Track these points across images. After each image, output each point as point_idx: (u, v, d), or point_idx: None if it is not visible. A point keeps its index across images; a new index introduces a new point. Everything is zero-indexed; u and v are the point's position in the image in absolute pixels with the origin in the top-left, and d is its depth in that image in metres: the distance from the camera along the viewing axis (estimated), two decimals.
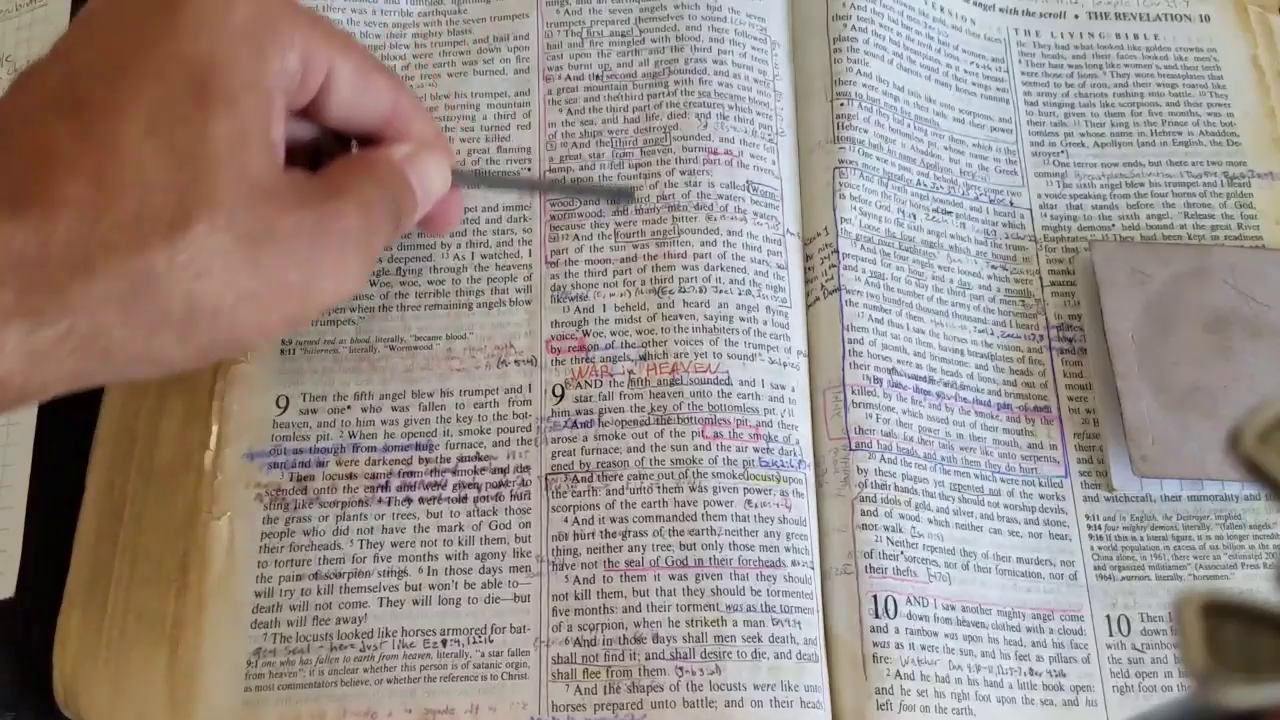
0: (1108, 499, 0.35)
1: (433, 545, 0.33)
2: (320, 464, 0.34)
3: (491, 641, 0.32)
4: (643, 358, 0.35)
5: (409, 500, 0.33)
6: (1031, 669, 0.32)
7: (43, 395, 0.23)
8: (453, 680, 0.31)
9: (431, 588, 0.33)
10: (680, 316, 0.35)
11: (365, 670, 0.32)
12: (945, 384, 0.36)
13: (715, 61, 0.39)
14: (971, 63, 0.41)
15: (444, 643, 0.32)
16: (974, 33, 0.42)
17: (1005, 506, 0.35)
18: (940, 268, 0.37)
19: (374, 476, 0.34)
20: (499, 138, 0.38)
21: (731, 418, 0.34)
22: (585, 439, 0.34)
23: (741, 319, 0.35)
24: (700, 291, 0.35)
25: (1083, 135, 0.40)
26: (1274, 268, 0.37)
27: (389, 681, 0.31)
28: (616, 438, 0.34)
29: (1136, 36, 0.42)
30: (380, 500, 0.33)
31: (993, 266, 0.38)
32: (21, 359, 0.22)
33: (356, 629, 0.32)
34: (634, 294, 0.36)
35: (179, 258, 0.23)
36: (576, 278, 0.36)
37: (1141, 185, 0.40)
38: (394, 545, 0.33)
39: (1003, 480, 0.35)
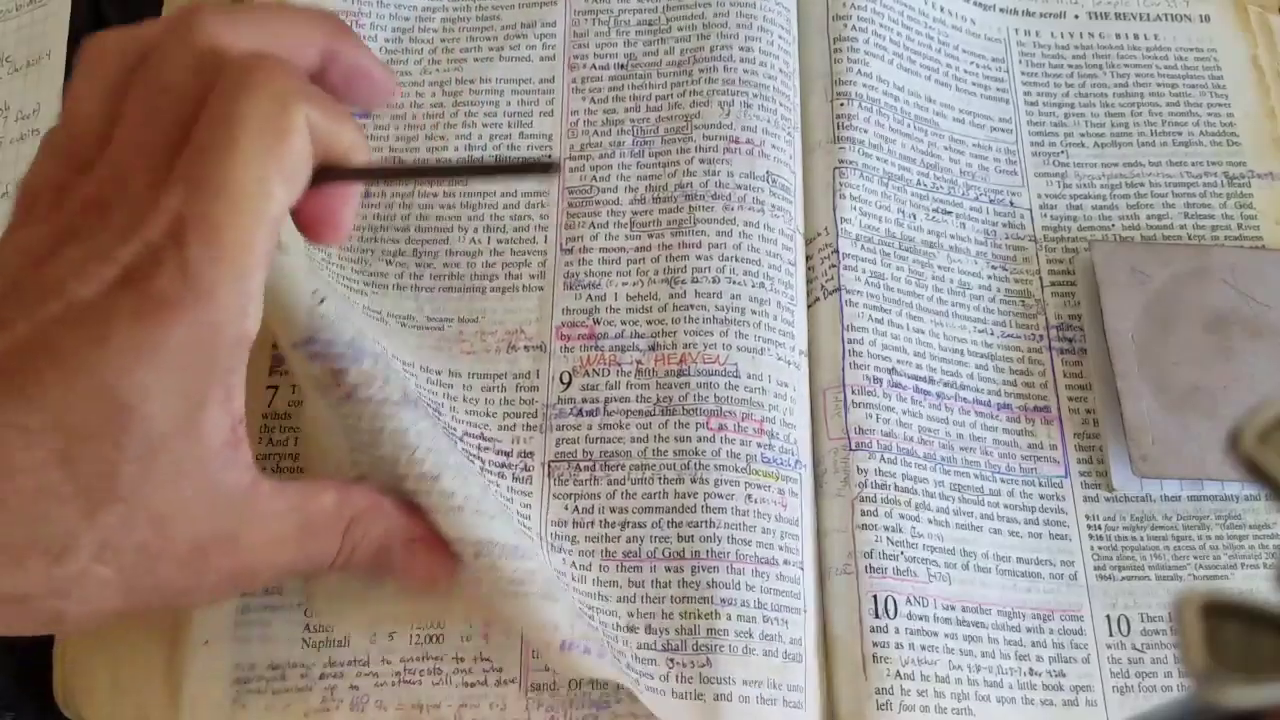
0: (1108, 499, 0.35)
1: None
2: None
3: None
4: (651, 348, 0.35)
5: None
6: (1031, 669, 0.32)
7: None
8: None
9: None
10: (691, 307, 0.35)
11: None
12: (945, 384, 0.36)
13: (741, 49, 0.38)
14: (971, 63, 0.41)
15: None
16: (974, 33, 0.42)
17: (1005, 506, 0.35)
18: (940, 268, 0.37)
19: None
20: (521, 124, 0.38)
21: (737, 410, 0.34)
22: (590, 427, 0.34)
23: (753, 311, 0.35)
24: (714, 282, 0.35)
25: (1083, 135, 0.40)
26: (1274, 268, 0.37)
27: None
28: (621, 427, 0.34)
29: (1136, 36, 0.42)
30: None
31: (993, 266, 0.38)
32: None
33: None
34: (646, 283, 0.36)
35: (54, 584, 0.23)
36: (590, 265, 0.36)
37: (1141, 185, 0.40)
38: None
39: (1003, 480, 0.35)
